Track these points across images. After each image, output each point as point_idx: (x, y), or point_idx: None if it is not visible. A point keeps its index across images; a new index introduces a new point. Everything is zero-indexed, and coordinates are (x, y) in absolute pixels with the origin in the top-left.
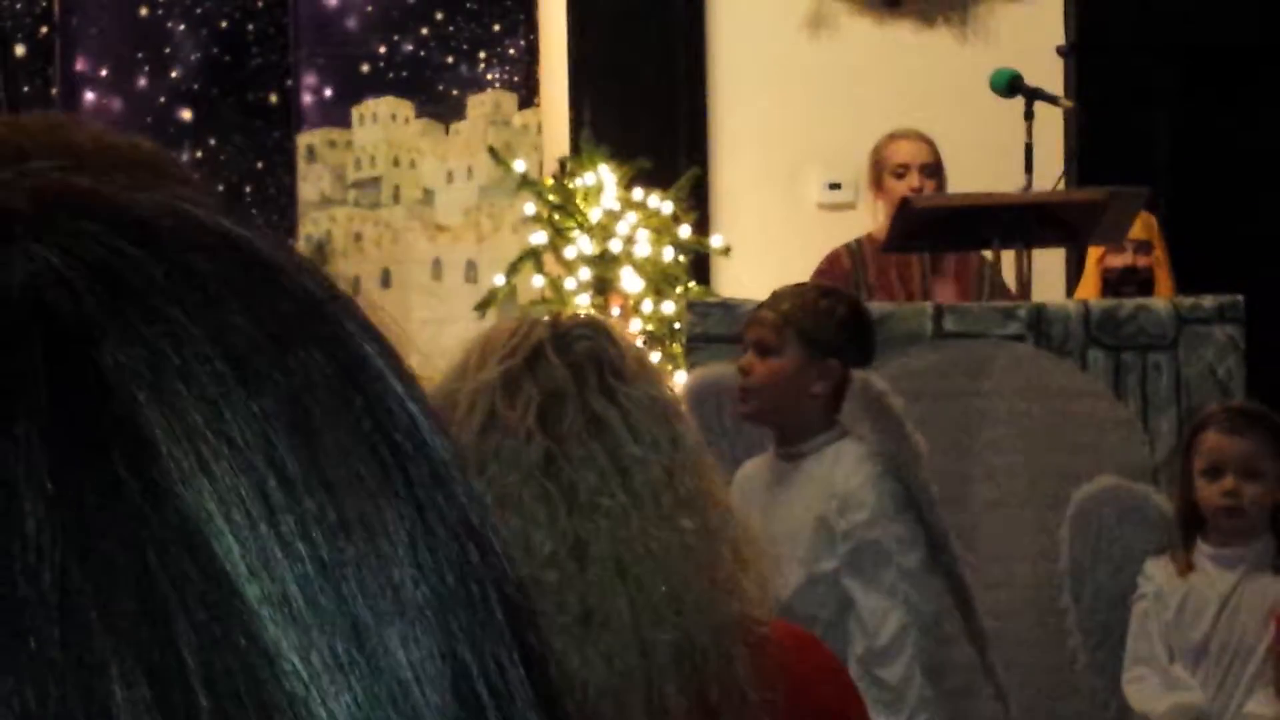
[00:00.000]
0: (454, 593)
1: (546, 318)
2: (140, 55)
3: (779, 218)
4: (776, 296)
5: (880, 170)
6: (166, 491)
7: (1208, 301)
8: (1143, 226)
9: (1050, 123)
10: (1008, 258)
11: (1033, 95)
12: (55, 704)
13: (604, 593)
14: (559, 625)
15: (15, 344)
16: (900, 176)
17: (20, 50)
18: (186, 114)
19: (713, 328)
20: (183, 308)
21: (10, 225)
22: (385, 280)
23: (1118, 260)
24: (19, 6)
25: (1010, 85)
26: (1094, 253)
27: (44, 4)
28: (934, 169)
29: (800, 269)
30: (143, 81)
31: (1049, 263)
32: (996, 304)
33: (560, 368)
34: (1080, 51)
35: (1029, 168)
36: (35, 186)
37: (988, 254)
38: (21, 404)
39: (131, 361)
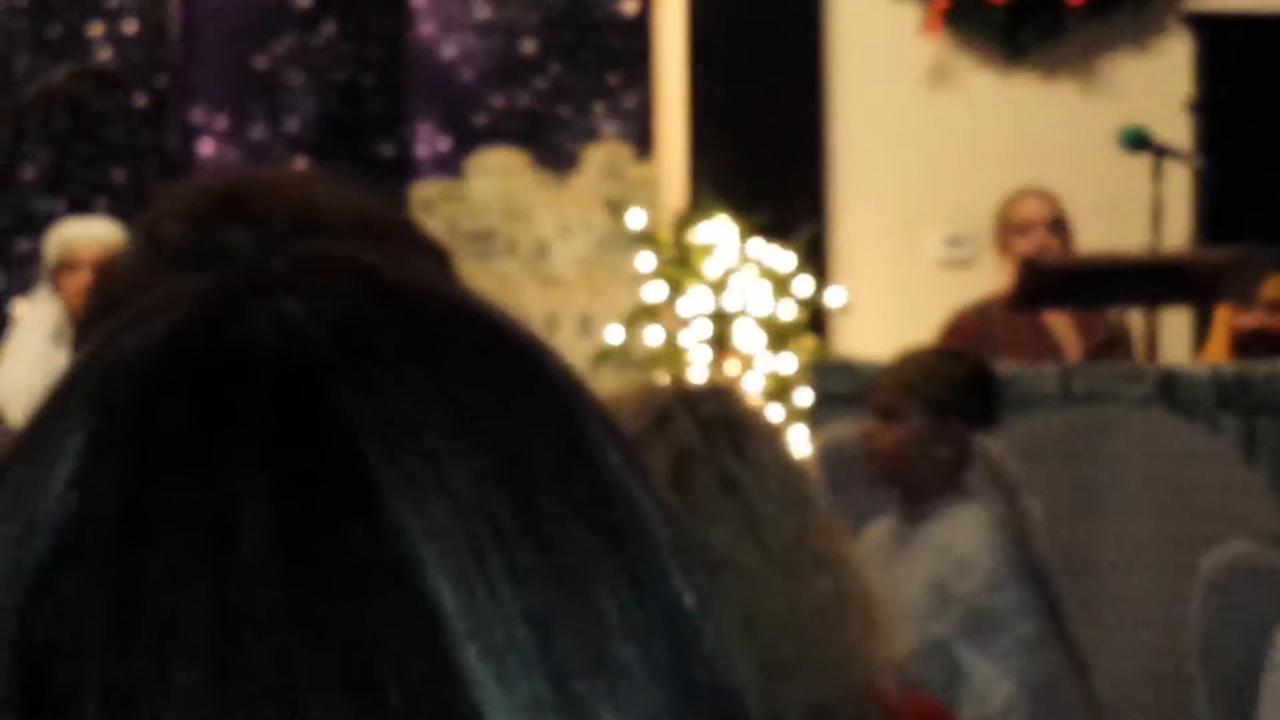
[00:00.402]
0: (664, 669)
1: (669, 381)
2: (256, 106)
3: (898, 273)
4: (900, 360)
5: (1006, 229)
6: (385, 531)
7: None
8: (1275, 288)
9: (1178, 180)
10: (1134, 320)
11: (1160, 152)
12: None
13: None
14: None
15: (255, 381)
16: (1025, 233)
17: (140, 99)
18: (302, 165)
19: (835, 387)
20: (417, 366)
21: (268, 282)
22: None
23: (1249, 320)
24: (138, 55)
25: (1137, 141)
26: (1221, 314)
27: (162, 53)
28: (1059, 225)
29: (919, 324)
30: (258, 132)
31: (1176, 323)
32: (1125, 366)
33: (690, 428)
34: (1209, 107)
35: (1156, 226)
36: (294, 249)
37: (1114, 316)
38: (250, 436)
39: (362, 409)
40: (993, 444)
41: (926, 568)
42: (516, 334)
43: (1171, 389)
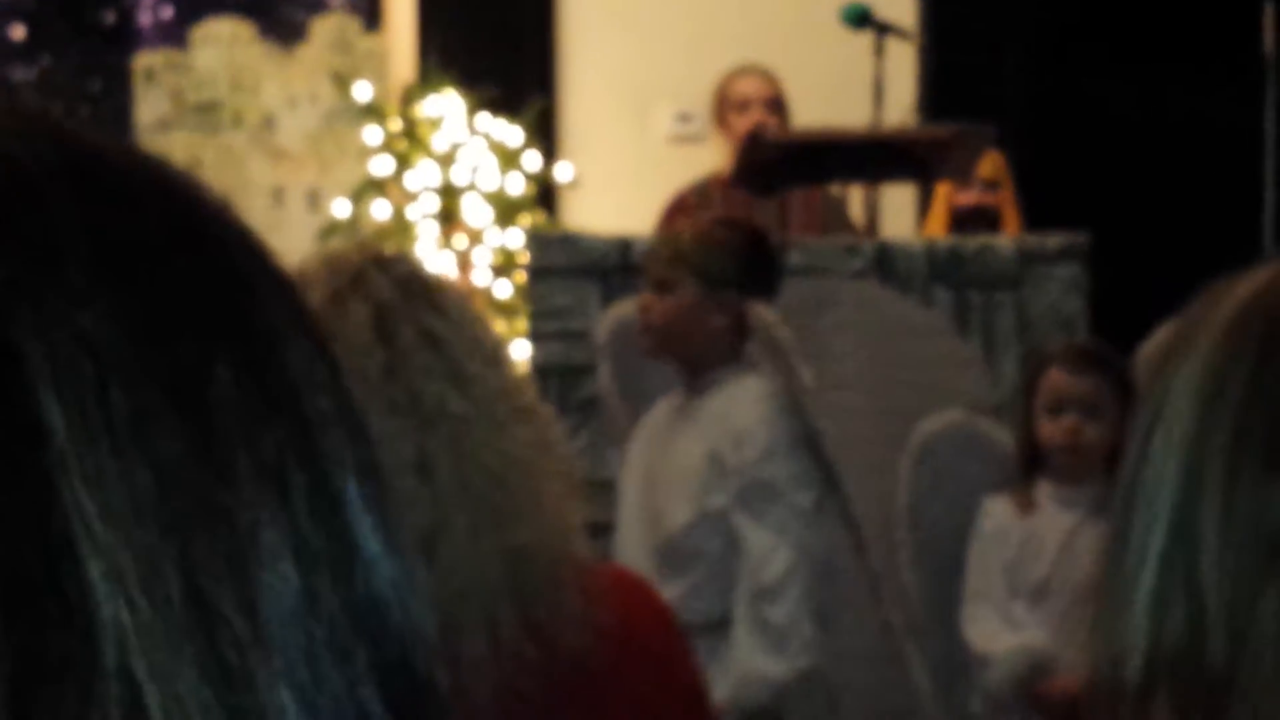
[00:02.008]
0: (316, 595)
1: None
2: None
3: (628, 150)
4: (673, 231)
5: (724, 107)
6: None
7: (1052, 241)
8: (991, 165)
9: (902, 59)
10: (855, 194)
11: (883, 29)
12: None
13: (445, 507)
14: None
15: None
16: (743, 112)
17: None
18: (20, 31)
19: (553, 260)
20: (73, 204)
21: None
22: None
23: (965, 198)
24: None
25: (860, 18)
26: (941, 191)
27: None
28: (777, 105)
29: (649, 201)
30: None
31: (899, 200)
32: (841, 240)
33: (387, 285)
34: None
35: (878, 104)
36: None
37: (835, 190)
38: None
39: (8, 240)
40: (766, 311)
41: (705, 439)
42: (195, 196)
43: (886, 263)
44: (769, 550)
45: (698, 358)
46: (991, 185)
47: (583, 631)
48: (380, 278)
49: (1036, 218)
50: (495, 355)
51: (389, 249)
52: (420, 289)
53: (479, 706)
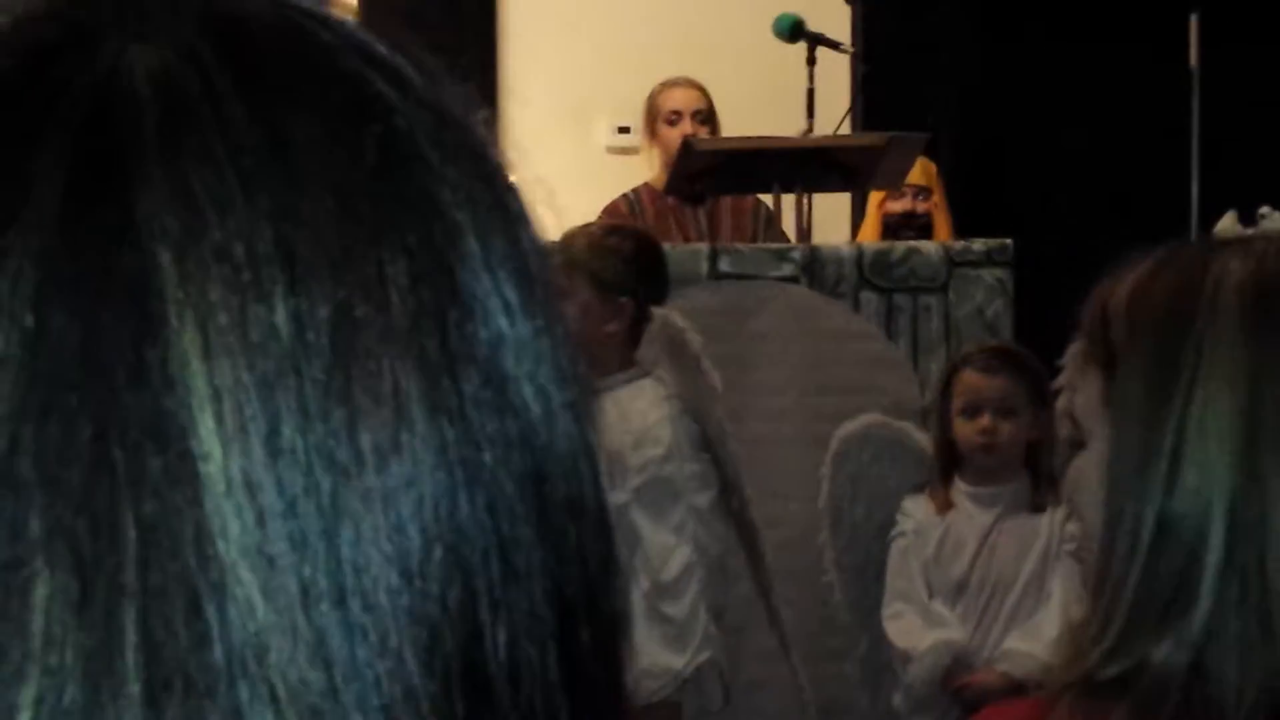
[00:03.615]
0: (451, 406)
1: None
2: None
3: (567, 160)
4: (564, 237)
5: (654, 117)
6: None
7: (978, 245)
8: (922, 172)
9: (838, 70)
10: (789, 204)
11: (815, 40)
12: None
13: None
14: None
15: (63, 118)
16: (673, 123)
17: None
18: None
19: None
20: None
21: (106, 19)
22: None
23: (897, 205)
24: None
25: (793, 30)
26: (875, 198)
27: None
28: (707, 115)
29: (588, 211)
30: None
31: (834, 209)
32: (771, 245)
33: None
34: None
35: (810, 113)
36: None
37: (766, 199)
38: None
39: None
40: (677, 316)
41: (600, 440)
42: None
43: (816, 268)
44: (668, 549)
45: (592, 362)
46: (923, 192)
47: None
48: None
49: (967, 224)
50: None
51: None
52: None
53: None
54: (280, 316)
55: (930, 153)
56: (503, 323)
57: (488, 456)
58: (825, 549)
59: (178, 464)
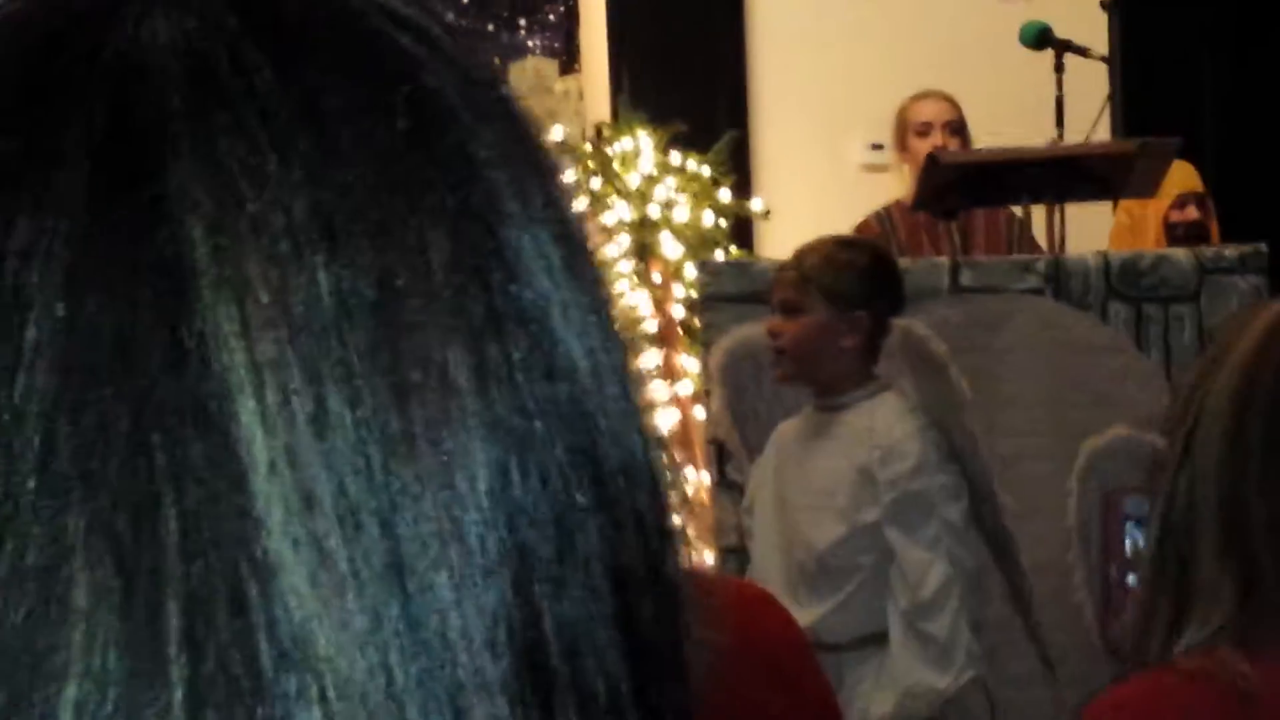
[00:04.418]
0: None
1: None
2: None
3: (821, 179)
4: (798, 254)
5: (904, 130)
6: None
7: (1230, 251)
8: (1187, 176)
9: (1093, 77)
10: (1040, 215)
11: (1062, 47)
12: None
13: None
14: None
15: (94, 92)
16: (923, 135)
17: None
18: None
19: (726, 287)
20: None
21: None
22: None
23: (1182, 216)
24: None
25: (1039, 38)
26: (1127, 208)
27: None
28: (957, 127)
29: (842, 230)
30: None
31: (1095, 221)
32: (1014, 258)
33: None
34: (1123, 4)
35: (1060, 122)
36: None
37: (1018, 211)
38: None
39: (194, 192)
40: (919, 326)
41: (849, 456)
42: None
43: (1061, 279)
44: (923, 565)
45: (830, 379)
46: (1202, 201)
47: (702, 649)
48: None
49: (1234, 229)
50: None
51: None
52: None
53: None
54: (323, 288)
55: (1188, 156)
56: (546, 283)
57: (539, 424)
58: (1075, 568)
59: (219, 448)
